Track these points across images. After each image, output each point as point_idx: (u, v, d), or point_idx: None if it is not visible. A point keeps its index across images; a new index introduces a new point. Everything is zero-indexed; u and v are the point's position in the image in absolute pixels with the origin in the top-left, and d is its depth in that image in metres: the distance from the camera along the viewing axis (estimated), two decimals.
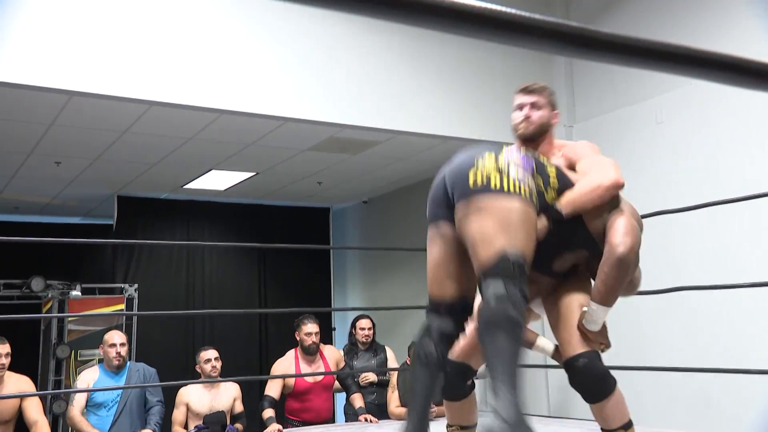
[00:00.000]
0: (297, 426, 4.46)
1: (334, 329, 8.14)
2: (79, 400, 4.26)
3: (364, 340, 5.10)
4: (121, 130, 5.13)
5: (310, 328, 4.60)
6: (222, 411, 4.32)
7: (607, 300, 2.08)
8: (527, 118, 2.26)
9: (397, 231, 7.60)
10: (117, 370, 4.31)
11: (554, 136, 2.41)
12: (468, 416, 2.35)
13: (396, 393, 4.54)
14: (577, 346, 2.09)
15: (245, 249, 7.85)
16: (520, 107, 2.29)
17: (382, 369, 4.97)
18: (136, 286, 6.88)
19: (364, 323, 5.16)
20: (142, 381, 4.39)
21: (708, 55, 0.70)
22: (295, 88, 4.70)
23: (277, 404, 4.47)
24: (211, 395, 4.41)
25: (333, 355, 4.79)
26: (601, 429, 2.13)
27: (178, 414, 4.37)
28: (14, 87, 3.96)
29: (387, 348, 5.24)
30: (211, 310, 7.29)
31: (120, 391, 4.25)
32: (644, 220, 3.91)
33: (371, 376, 4.91)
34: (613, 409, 2.06)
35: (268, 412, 4.32)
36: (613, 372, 4.53)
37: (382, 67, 5.03)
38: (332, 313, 8.17)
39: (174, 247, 7.46)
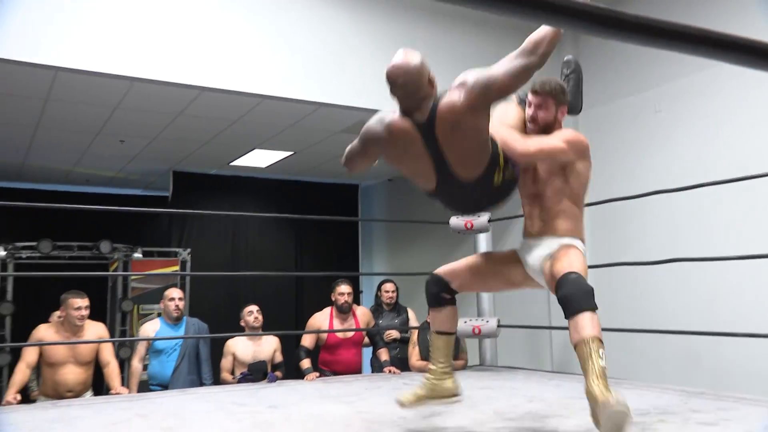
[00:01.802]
0: (328, 375, 4.51)
1: (362, 292, 8.19)
2: (139, 350, 4.36)
3: (388, 301, 5.14)
4: (176, 112, 5.16)
5: (343, 289, 4.64)
6: (264, 360, 4.38)
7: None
8: (533, 120, 2.32)
9: (417, 207, 7.57)
10: (176, 322, 4.39)
11: (562, 124, 2.42)
12: (446, 324, 2.50)
13: (416, 348, 4.56)
14: (569, 268, 2.11)
15: (283, 220, 7.89)
16: (529, 104, 2.34)
17: (404, 327, 5.01)
18: (189, 250, 6.97)
19: (389, 286, 5.19)
20: (197, 333, 4.47)
21: (729, 39, 0.68)
22: (328, 75, 4.68)
23: (312, 354, 4.53)
24: (254, 346, 4.47)
25: (364, 314, 4.83)
26: (575, 343, 1.96)
27: (226, 362, 4.44)
28: (84, 74, 4.00)
29: (408, 309, 5.27)
30: (253, 272, 7.34)
31: (179, 340, 4.33)
32: (646, 199, 3.87)
33: (394, 333, 4.95)
34: (589, 321, 1.95)
35: (306, 363, 4.39)
36: (611, 333, 4.56)
37: None
38: (360, 278, 8.21)
39: (221, 217, 7.52)
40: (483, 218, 4.43)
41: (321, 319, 4.66)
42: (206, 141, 6.05)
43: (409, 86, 2.04)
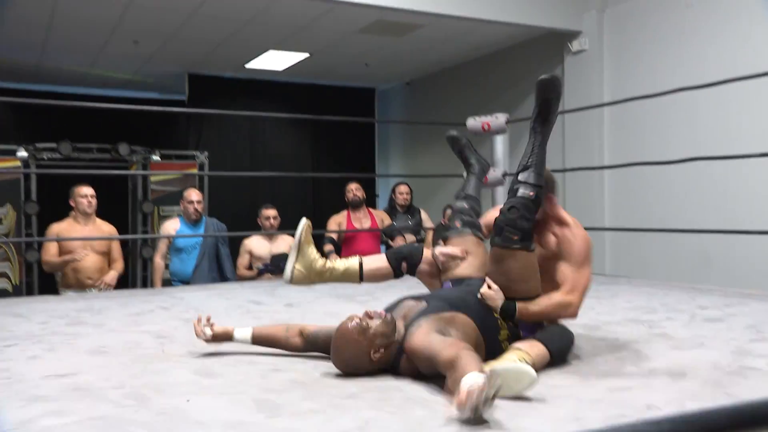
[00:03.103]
0: None
1: (377, 196, 8.19)
2: (161, 248, 4.44)
3: (402, 203, 5.17)
4: (189, 11, 4.98)
5: (351, 186, 4.86)
6: (286, 253, 4.47)
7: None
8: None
9: (435, 110, 7.42)
10: (195, 223, 4.43)
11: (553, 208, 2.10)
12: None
13: (431, 249, 4.59)
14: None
15: (300, 124, 7.78)
16: None
17: (417, 228, 5.05)
18: (206, 153, 6.95)
19: (403, 188, 5.21)
20: (216, 233, 4.51)
21: None
22: None
23: (336, 244, 4.83)
24: (270, 244, 4.54)
25: (379, 214, 5.03)
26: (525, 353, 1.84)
27: (243, 260, 4.53)
28: None
29: (422, 210, 5.29)
30: (271, 173, 7.34)
31: (200, 240, 4.40)
32: (670, 97, 3.70)
33: (408, 237, 5.03)
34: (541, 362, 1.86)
35: (328, 247, 4.70)
36: (624, 234, 4.56)
37: None
38: (376, 181, 8.18)
39: (239, 120, 7.42)
40: (501, 119, 4.29)
41: (339, 219, 4.87)
42: (221, 41, 5.87)
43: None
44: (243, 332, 2.06)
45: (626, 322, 2.59)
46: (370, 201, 7.36)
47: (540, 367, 1.83)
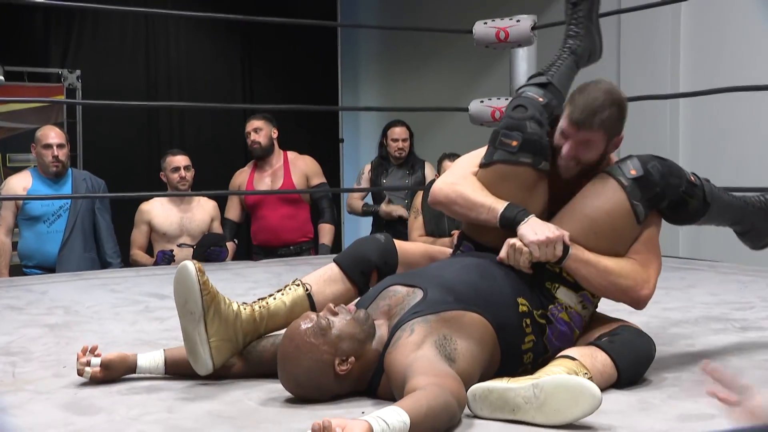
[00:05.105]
0: (260, 255, 4.72)
1: (342, 141, 8.17)
2: (5, 217, 4.35)
3: (397, 153, 5.22)
4: None
5: (250, 125, 4.73)
6: (220, 234, 4.57)
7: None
8: (571, 159, 2.13)
9: (427, 12, 7.38)
10: (56, 177, 4.38)
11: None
12: None
13: (420, 218, 4.62)
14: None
15: (224, 31, 7.77)
16: (564, 135, 2.13)
17: (419, 188, 5.06)
18: (78, 72, 6.86)
19: (399, 131, 5.23)
20: (91, 192, 4.47)
21: None
22: None
23: (240, 229, 4.91)
24: (181, 213, 4.54)
25: (303, 165, 4.86)
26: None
27: (138, 235, 4.54)
28: None
29: (427, 164, 5.32)
30: (180, 103, 7.27)
31: (65, 206, 4.34)
32: None
33: (400, 210, 5.10)
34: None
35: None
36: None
37: None
38: (340, 120, 8.15)
39: (129, 22, 7.31)
40: (524, 24, 4.36)
41: (242, 177, 4.86)
42: None
43: None
44: (150, 359, 2.05)
45: (707, 321, 2.66)
46: (333, 150, 7.40)
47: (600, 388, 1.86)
